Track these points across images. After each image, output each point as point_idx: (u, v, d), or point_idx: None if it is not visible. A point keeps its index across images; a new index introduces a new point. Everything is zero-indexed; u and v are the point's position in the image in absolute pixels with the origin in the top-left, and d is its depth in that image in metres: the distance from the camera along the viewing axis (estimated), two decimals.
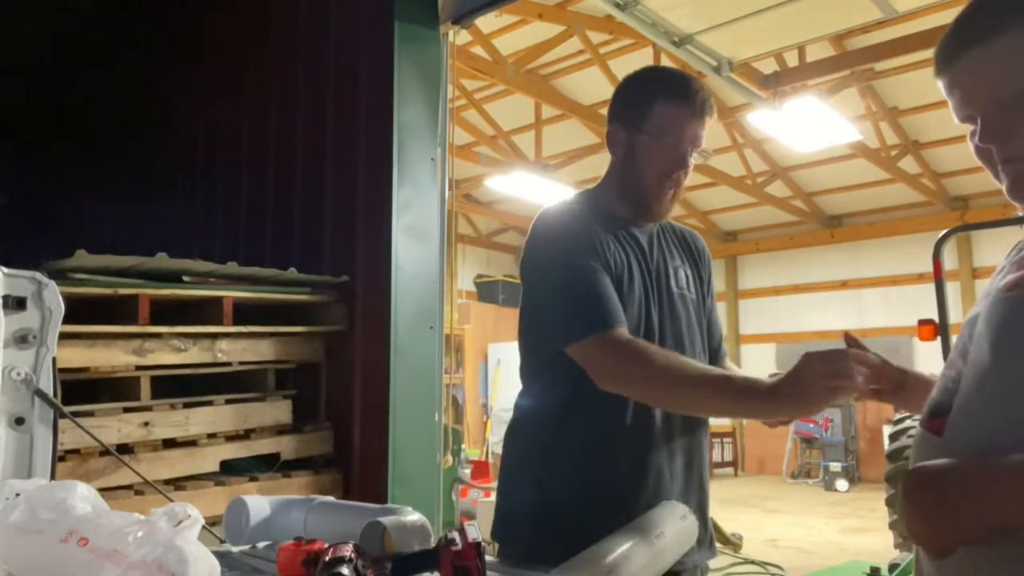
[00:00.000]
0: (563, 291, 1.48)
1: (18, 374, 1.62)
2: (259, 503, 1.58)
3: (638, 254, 1.59)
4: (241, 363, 2.86)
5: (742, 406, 1.38)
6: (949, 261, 7.23)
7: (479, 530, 1.12)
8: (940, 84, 0.98)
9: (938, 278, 5.81)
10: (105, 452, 2.30)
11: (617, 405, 1.48)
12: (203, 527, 1.05)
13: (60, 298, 1.69)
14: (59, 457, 1.82)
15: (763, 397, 1.28)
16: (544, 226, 1.59)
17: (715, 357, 1.72)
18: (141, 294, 2.55)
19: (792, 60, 6.68)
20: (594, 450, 1.50)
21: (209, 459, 2.73)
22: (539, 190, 8.81)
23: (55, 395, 1.68)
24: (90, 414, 2.38)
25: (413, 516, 1.40)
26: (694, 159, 1.58)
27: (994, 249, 10.23)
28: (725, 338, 1.81)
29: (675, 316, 1.59)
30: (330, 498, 1.61)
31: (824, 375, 1.20)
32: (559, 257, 1.51)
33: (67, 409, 1.78)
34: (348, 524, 1.40)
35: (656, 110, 1.55)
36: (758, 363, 12.30)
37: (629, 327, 1.47)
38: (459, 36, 3.48)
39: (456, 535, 1.11)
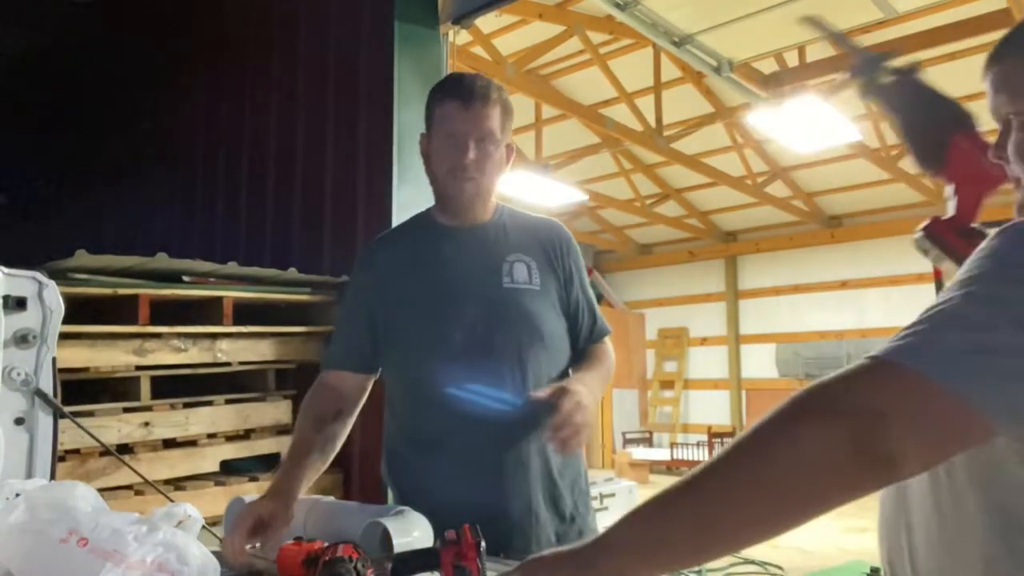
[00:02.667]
0: None
1: (18, 374, 1.62)
2: None
3: (461, 258, 1.64)
4: (241, 363, 2.86)
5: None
6: None
7: (479, 530, 1.12)
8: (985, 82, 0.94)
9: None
10: (105, 452, 2.30)
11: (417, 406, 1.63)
12: (203, 527, 1.05)
13: (60, 298, 1.69)
14: (59, 457, 1.82)
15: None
16: None
17: (587, 344, 1.72)
18: (141, 294, 2.55)
19: (792, 60, 6.67)
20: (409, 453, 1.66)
21: (209, 459, 2.73)
22: (539, 190, 8.81)
23: (55, 395, 1.68)
24: (90, 414, 2.38)
25: (413, 516, 1.40)
26: (482, 148, 1.59)
27: None
28: (601, 330, 1.77)
29: (505, 309, 1.60)
30: (330, 498, 1.61)
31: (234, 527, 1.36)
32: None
33: (67, 409, 1.78)
34: (348, 524, 1.40)
35: (435, 111, 1.63)
36: (758, 363, 12.29)
37: (429, 330, 1.61)
38: (459, 36, 3.48)
39: (456, 535, 1.11)
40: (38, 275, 1.68)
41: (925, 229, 1.21)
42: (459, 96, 1.59)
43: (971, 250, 0.75)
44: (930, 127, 1.20)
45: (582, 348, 1.71)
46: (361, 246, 1.86)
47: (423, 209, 1.77)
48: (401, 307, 1.63)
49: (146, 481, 2.19)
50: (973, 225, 1.16)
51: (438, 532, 1.38)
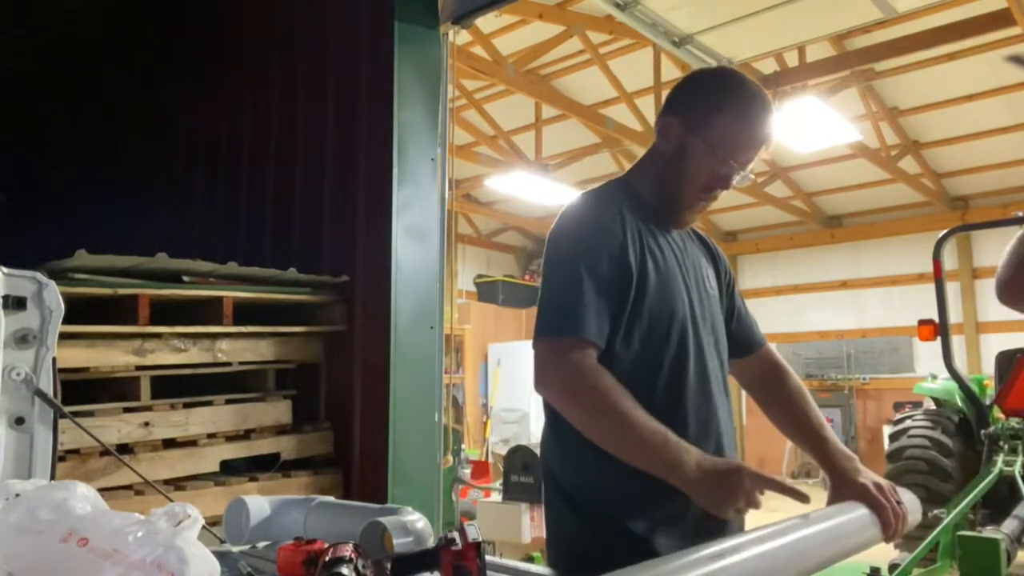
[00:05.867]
0: (555, 291, 1.44)
1: (18, 374, 1.62)
2: (259, 503, 1.57)
3: (677, 252, 1.57)
4: (241, 363, 2.86)
5: (652, 466, 1.35)
6: (949, 261, 7.22)
7: (479, 530, 1.12)
8: None
9: (938, 278, 5.81)
10: (105, 452, 2.30)
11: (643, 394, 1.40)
12: (203, 527, 1.04)
13: (60, 298, 1.69)
14: (59, 457, 1.82)
15: (678, 477, 1.32)
16: (563, 222, 1.51)
17: (748, 353, 1.74)
18: (141, 294, 2.55)
19: (792, 60, 6.68)
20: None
21: (209, 459, 2.73)
22: (539, 190, 8.81)
23: (55, 395, 1.68)
24: (90, 414, 2.38)
25: (413, 516, 1.40)
26: (736, 181, 1.54)
27: (994, 249, 10.21)
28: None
29: (713, 316, 1.60)
30: (330, 498, 1.61)
31: (739, 496, 1.28)
32: (565, 257, 1.45)
33: (67, 409, 1.78)
34: (348, 524, 1.40)
35: (720, 122, 1.49)
36: None
37: (677, 325, 1.48)
38: (459, 36, 3.48)
39: (456, 535, 1.11)
40: (38, 275, 1.67)
41: None
42: (757, 133, 1.50)
43: None
44: None
45: (745, 356, 1.73)
46: (595, 195, 1.55)
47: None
48: (645, 294, 1.46)
49: (146, 481, 2.19)
50: None
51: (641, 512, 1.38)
